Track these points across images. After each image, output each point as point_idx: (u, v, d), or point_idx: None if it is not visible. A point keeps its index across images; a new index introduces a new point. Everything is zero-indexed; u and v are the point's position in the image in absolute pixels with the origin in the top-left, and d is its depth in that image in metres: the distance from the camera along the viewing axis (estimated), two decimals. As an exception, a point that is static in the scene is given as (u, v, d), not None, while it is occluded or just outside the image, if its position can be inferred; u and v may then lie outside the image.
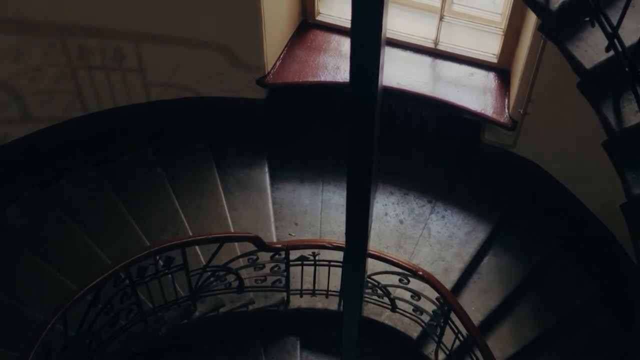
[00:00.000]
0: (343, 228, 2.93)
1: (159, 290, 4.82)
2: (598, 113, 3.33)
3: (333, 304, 5.46)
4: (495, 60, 5.89)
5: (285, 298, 5.42)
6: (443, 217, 6.02)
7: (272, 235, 5.73)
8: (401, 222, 5.99)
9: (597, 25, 3.21)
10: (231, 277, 5.02)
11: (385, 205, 6.08)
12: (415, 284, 5.01)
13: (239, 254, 5.03)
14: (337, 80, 5.88)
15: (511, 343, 5.48)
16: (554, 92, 5.15)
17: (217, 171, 6.06)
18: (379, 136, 2.42)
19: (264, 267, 5.06)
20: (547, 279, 5.75)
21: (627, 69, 3.14)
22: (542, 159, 5.75)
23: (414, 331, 5.38)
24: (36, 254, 5.34)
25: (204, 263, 4.93)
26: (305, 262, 5.03)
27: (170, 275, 4.80)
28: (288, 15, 6.02)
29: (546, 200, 5.85)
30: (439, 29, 5.89)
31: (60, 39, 5.32)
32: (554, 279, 5.73)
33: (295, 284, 5.29)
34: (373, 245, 4.34)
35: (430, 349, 5.39)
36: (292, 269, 5.09)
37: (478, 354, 4.72)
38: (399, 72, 5.86)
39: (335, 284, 5.20)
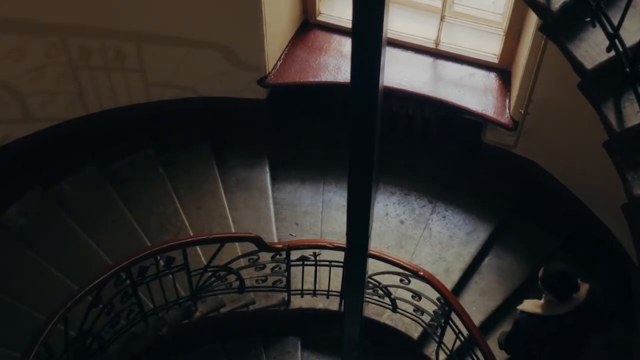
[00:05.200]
0: (344, 228, 2.93)
1: (160, 291, 4.82)
2: (599, 113, 3.34)
3: (334, 304, 5.46)
4: (496, 61, 5.89)
5: (286, 298, 5.43)
6: (444, 217, 6.02)
7: (273, 236, 5.73)
8: (402, 222, 5.99)
9: (598, 25, 3.22)
10: (232, 277, 5.02)
11: (386, 205, 6.08)
12: (416, 284, 5.01)
13: (239, 254, 5.03)
14: (338, 80, 5.88)
15: (512, 343, 5.48)
16: (555, 92, 5.15)
17: (218, 171, 6.06)
18: (380, 136, 2.42)
19: (264, 267, 5.06)
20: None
21: (628, 69, 3.14)
22: (543, 159, 5.76)
23: (415, 331, 5.38)
24: (37, 254, 5.34)
25: (205, 263, 4.94)
26: (306, 263, 5.03)
27: (171, 275, 4.80)
28: (289, 15, 6.03)
29: (547, 201, 5.84)
30: (440, 29, 5.89)
31: (61, 39, 5.32)
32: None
33: (296, 284, 5.30)
34: (374, 245, 4.34)
35: (431, 349, 5.39)
36: (293, 269, 5.09)
37: (479, 354, 4.71)
38: (400, 72, 5.86)
39: (336, 284, 5.20)
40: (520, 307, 4.49)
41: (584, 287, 4.30)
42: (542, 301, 4.38)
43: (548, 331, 4.37)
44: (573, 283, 4.22)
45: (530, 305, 4.43)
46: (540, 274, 4.32)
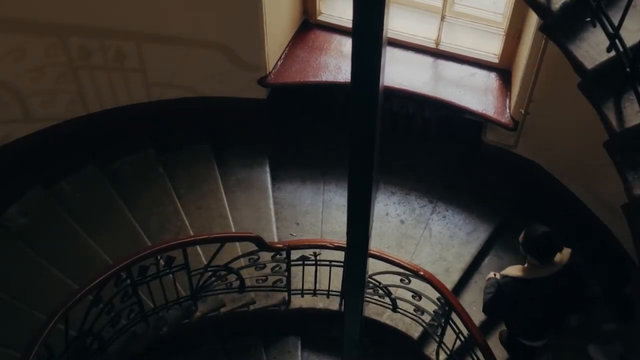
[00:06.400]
0: (344, 228, 2.93)
1: (160, 290, 4.83)
2: (599, 113, 3.34)
3: (334, 304, 5.46)
4: (496, 61, 5.89)
5: (287, 298, 5.43)
6: (444, 217, 6.02)
7: (274, 235, 5.73)
8: (402, 222, 5.99)
9: (598, 25, 3.21)
10: (232, 277, 5.02)
11: (387, 205, 6.08)
12: (416, 284, 5.01)
13: (240, 253, 5.03)
14: (338, 80, 5.89)
15: (512, 343, 5.48)
16: (555, 92, 5.15)
17: (219, 171, 6.06)
18: (380, 136, 2.42)
19: (265, 267, 5.07)
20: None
21: (628, 69, 3.14)
22: (543, 159, 5.76)
23: (415, 331, 5.38)
24: (37, 254, 5.35)
25: (205, 263, 4.94)
26: (306, 262, 5.03)
27: (171, 275, 4.80)
28: (289, 15, 6.02)
29: (547, 201, 5.84)
30: (440, 29, 5.89)
31: (61, 39, 5.32)
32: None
33: (296, 283, 5.30)
34: (374, 245, 4.35)
35: (431, 349, 5.39)
36: (293, 268, 5.09)
37: (479, 354, 4.72)
38: (401, 72, 5.86)
39: (337, 283, 5.20)
40: (503, 272, 4.49)
41: (566, 251, 4.30)
42: (525, 265, 4.38)
43: (531, 295, 4.36)
44: (555, 245, 4.22)
45: (513, 270, 4.43)
46: (521, 238, 4.31)
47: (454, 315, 4.81)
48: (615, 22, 3.12)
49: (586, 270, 4.49)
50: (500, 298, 4.44)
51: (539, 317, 4.55)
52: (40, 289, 5.15)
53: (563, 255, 4.29)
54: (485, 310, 4.69)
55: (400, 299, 5.20)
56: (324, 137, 6.37)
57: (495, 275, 4.64)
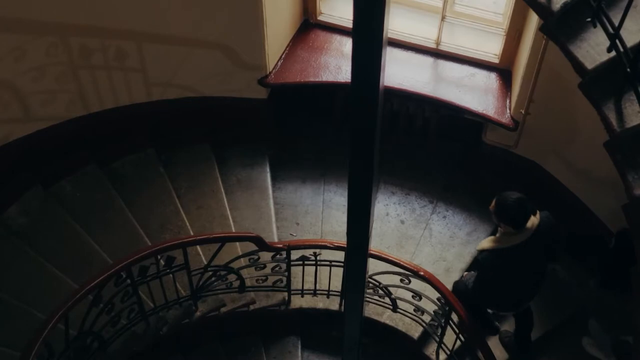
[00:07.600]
0: (344, 228, 2.94)
1: (160, 290, 4.83)
2: (600, 113, 3.34)
3: (334, 304, 5.46)
4: (496, 61, 5.89)
5: (287, 298, 5.43)
6: (444, 217, 6.02)
7: (274, 235, 5.73)
8: (402, 222, 5.99)
9: (598, 25, 3.21)
10: (232, 277, 5.02)
11: (387, 205, 6.08)
12: (416, 284, 5.01)
13: (240, 253, 5.04)
14: (338, 80, 5.89)
15: (512, 343, 5.47)
16: (556, 92, 5.15)
17: (219, 171, 6.06)
18: (380, 136, 2.42)
19: (265, 267, 5.07)
20: (547, 278, 5.74)
21: (628, 70, 3.14)
22: (544, 159, 5.76)
23: (415, 331, 5.38)
24: (38, 254, 5.35)
25: (205, 263, 4.94)
26: (306, 262, 5.03)
27: (171, 275, 4.80)
28: (290, 15, 6.02)
29: (547, 201, 5.83)
30: (440, 29, 5.89)
31: (62, 38, 5.32)
32: (554, 279, 5.72)
33: (296, 283, 5.30)
34: (374, 245, 4.35)
35: (431, 349, 5.39)
36: (293, 268, 5.09)
37: (479, 354, 4.72)
38: (401, 72, 5.86)
39: (337, 284, 5.20)
40: (478, 247, 4.46)
41: (538, 214, 4.30)
42: (497, 235, 4.35)
43: (508, 263, 4.33)
44: (529, 209, 4.20)
45: (487, 242, 4.41)
46: (492, 206, 4.27)
47: (454, 315, 4.81)
48: (616, 23, 3.12)
49: (558, 226, 4.46)
50: (484, 274, 4.42)
51: (519, 283, 4.53)
52: (40, 289, 5.15)
53: (535, 218, 4.27)
54: (476, 296, 4.67)
55: (400, 299, 5.20)
56: (324, 136, 6.37)
57: (465, 274, 4.63)
